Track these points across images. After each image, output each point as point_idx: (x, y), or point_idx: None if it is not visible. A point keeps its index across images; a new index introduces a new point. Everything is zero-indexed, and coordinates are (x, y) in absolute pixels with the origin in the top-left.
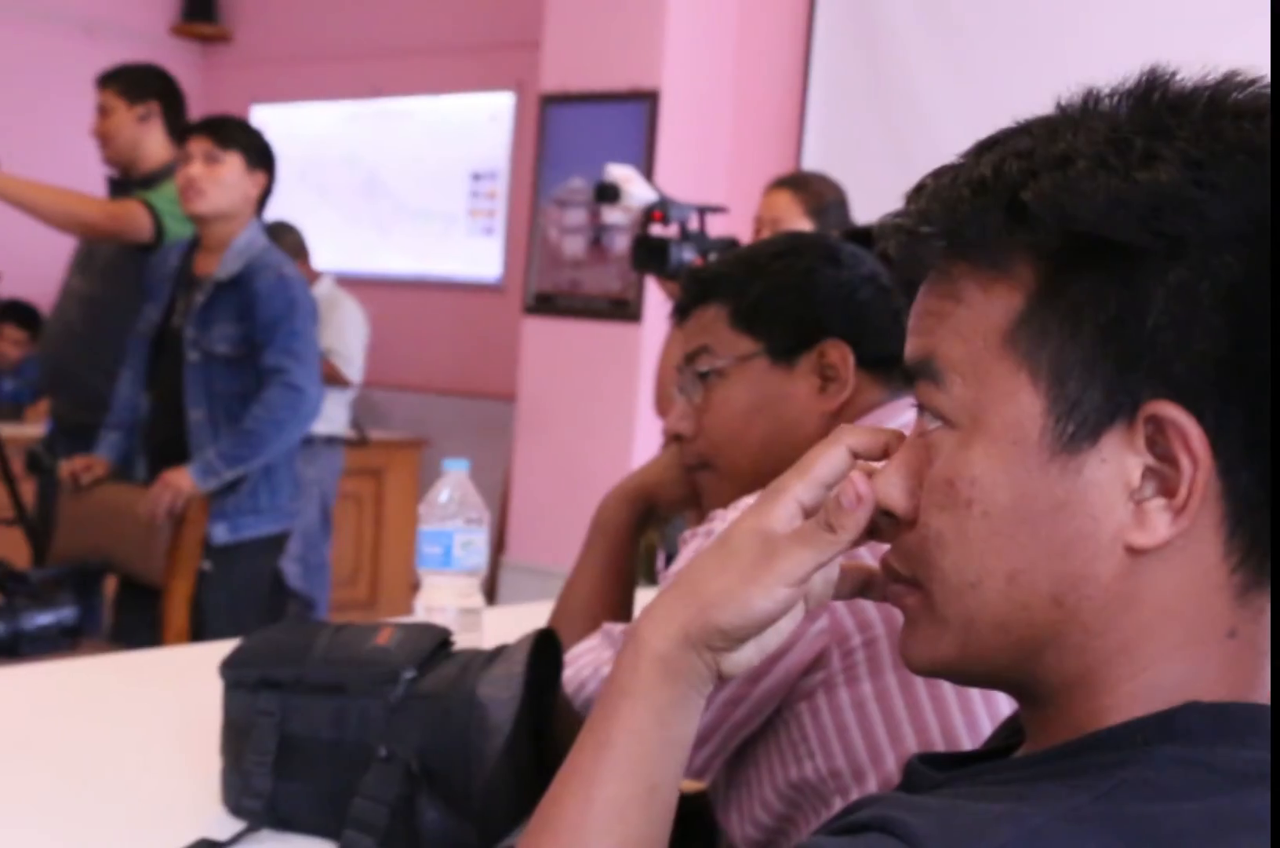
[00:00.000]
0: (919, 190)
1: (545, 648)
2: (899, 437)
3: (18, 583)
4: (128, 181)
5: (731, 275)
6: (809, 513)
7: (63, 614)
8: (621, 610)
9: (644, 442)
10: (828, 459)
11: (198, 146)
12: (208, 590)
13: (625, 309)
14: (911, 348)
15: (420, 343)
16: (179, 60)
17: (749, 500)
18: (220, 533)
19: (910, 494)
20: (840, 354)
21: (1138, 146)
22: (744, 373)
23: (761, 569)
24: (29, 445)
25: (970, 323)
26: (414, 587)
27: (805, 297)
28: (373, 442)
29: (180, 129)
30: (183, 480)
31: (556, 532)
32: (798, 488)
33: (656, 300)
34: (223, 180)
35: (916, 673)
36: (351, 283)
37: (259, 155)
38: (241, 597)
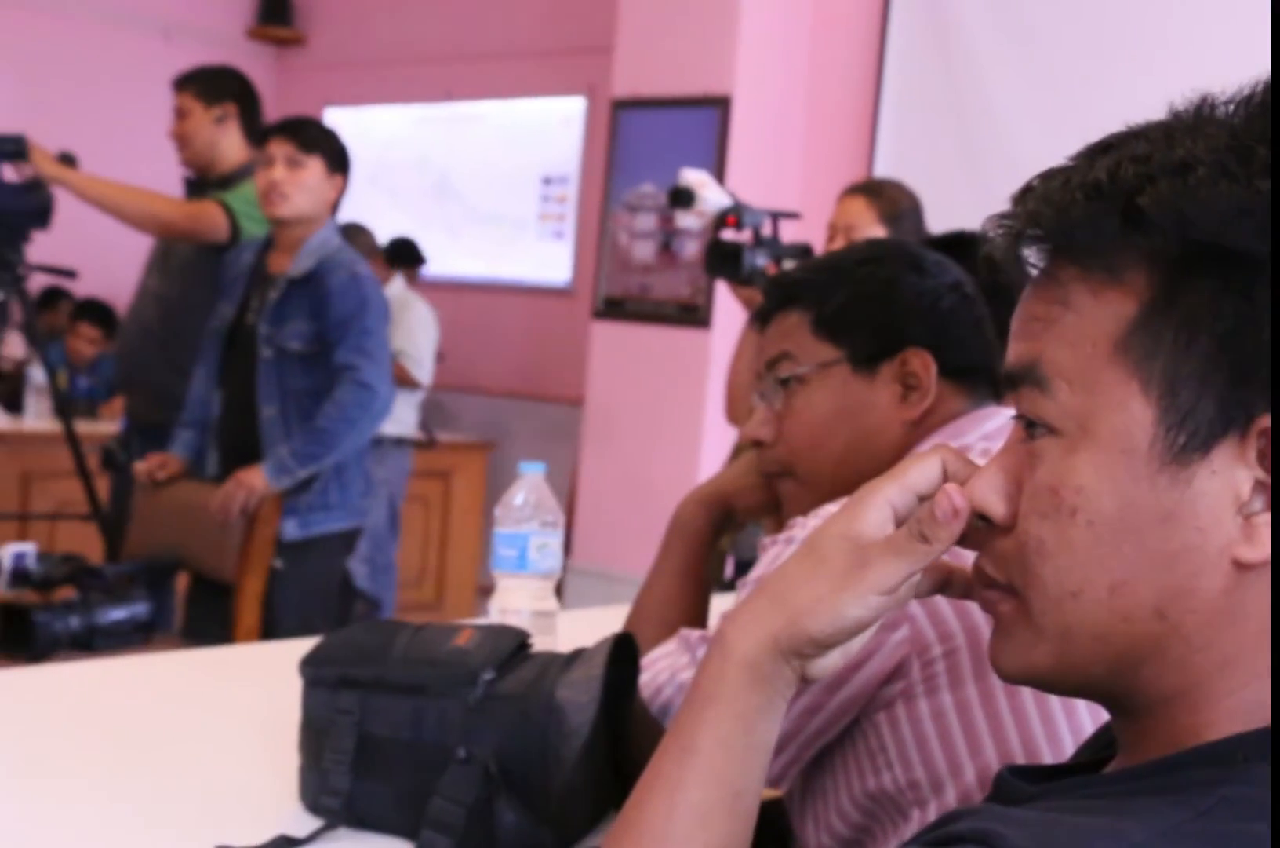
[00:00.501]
0: (1026, 192)
1: (623, 652)
2: None
3: (92, 578)
4: (205, 182)
5: (814, 282)
6: (899, 519)
7: (136, 610)
8: (697, 616)
9: (711, 447)
10: (922, 468)
11: (279, 150)
12: (279, 588)
13: (695, 314)
14: (1015, 353)
15: (489, 346)
16: (254, 63)
17: (830, 508)
18: (291, 529)
19: (1008, 500)
20: (922, 362)
21: (1259, 155)
22: (825, 380)
23: (854, 577)
24: (104, 443)
25: (1079, 329)
26: (479, 589)
27: (888, 304)
28: (441, 444)
29: (257, 130)
30: (256, 479)
31: (622, 536)
32: (891, 492)
33: (726, 306)
34: (305, 184)
35: (1008, 681)
36: (421, 285)
37: (338, 159)
38: (312, 595)
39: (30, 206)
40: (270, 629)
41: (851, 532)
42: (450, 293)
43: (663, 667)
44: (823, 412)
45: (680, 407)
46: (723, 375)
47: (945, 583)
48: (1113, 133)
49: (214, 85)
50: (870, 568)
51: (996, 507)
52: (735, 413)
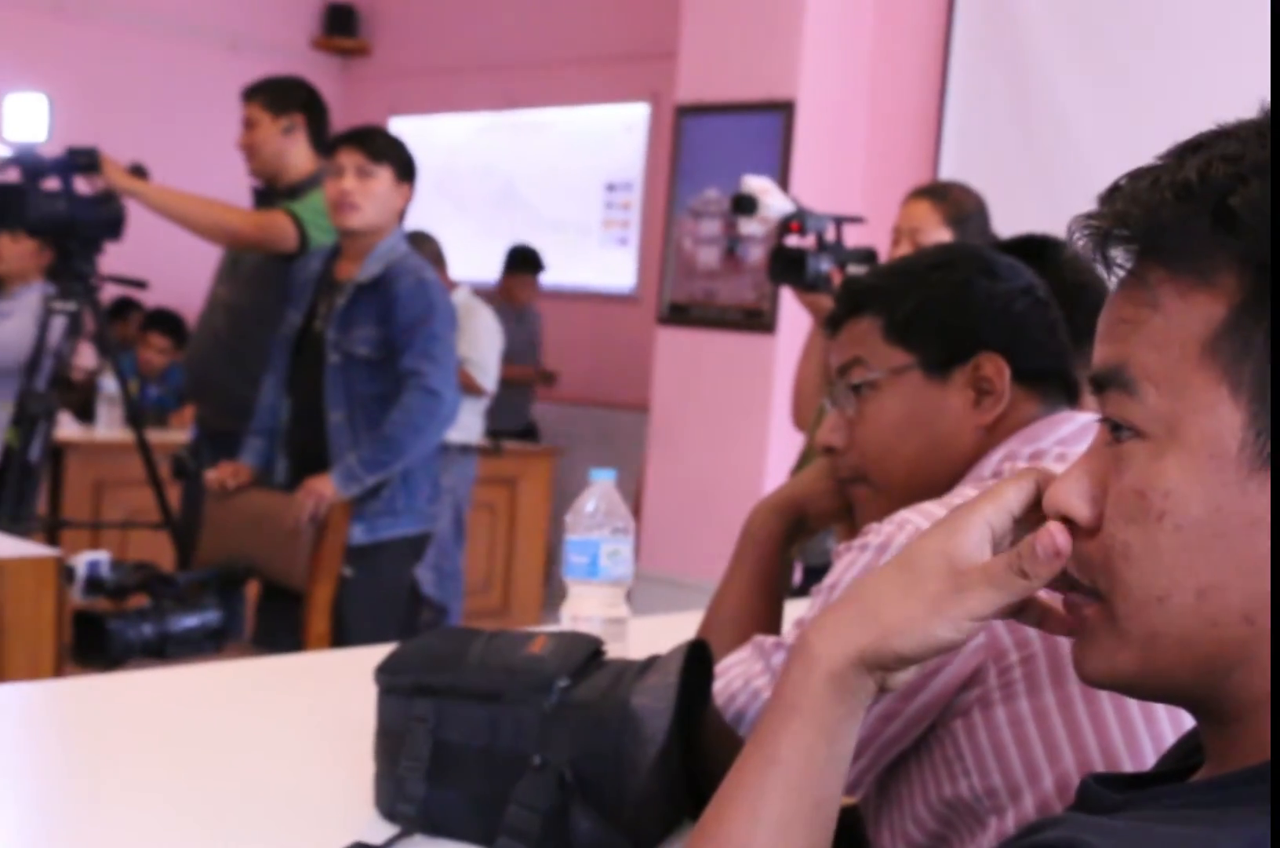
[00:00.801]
0: (1114, 192)
1: (697, 659)
2: None
3: (165, 586)
4: (273, 192)
5: (885, 287)
6: (995, 540)
7: (208, 617)
8: (771, 623)
9: (777, 453)
10: (1018, 490)
11: (349, 160)
12: (348, 596)
13: (760, 320)
14: (1101, 356)
15: (554, 353)
16: (319, 73)
17: (905, 514)
18: (358, 534)
19: (1093, 502)
20: (996, 367)
21: None
22: (897, 386)
23: (949, 603)
24: (174, 451)
25: (1167, 331)
26: (545, 595)
27: (960, 309)
28: (506, 451)
29: (324, 140)
30: (325, 487)
31: (688, 542)
32: (988, 512)
33: (791, 311)
34: (375, 194)
35: (1091, 685)
36: (486, 293)
37: (406, 168)
38: (381, 602)
39: (103, 218)
40: (340, 636)
41: (949, 552)
42: None
43: (736, 674)
44: (895, 418)
45: (746, 412)
46: (788, 381)
47: (1021, 609)
48: (1202, 131)
49: (281, 96)
50: (966, 595)
51: (1081, 510)
52: (801, 418)
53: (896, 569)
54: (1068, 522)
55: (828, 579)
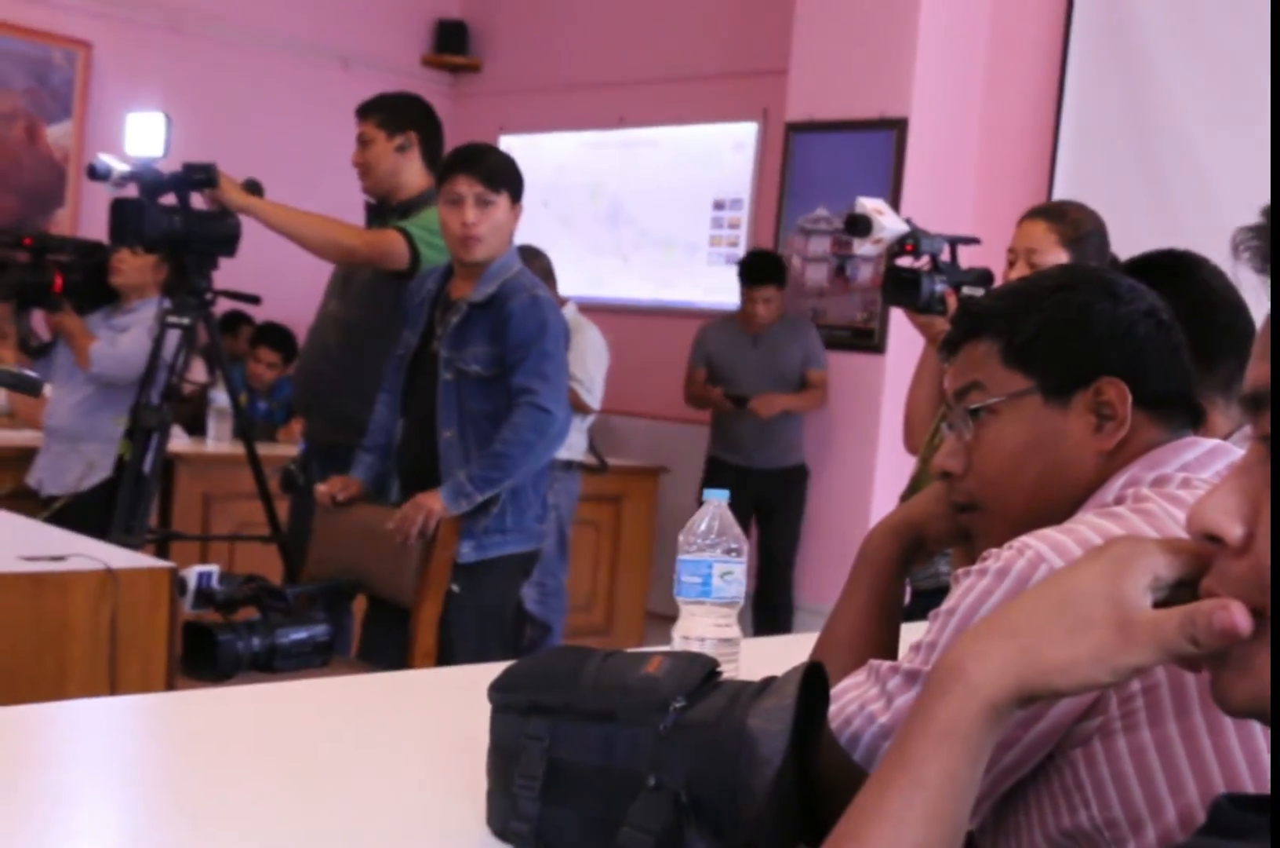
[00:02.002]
0: None
1: (813, 681)
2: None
3: (274, 599)
4: (385, 209)
5: (1004, 310)
6: (1156, 588)
7: (315, 631)
8: (887, 647)
9: (885, 473)
10: (1192, 547)
11: (468, 189)
12: (455, 612)
13: (869, 339)
14: (1260, 374)
15: (660, 370)
16: (430, 90)
17: (1025, 539)
18: (467, 551)
19: (1243, 521)
20: (1118, 392)
21: None
22: (1016, 411)
23: (1115, 652)
24: (283, 465)
25: None
26: (649, 614)
27: (1081, 332)
28: (611, 468)
29: (437, 157)
30: (434, 503)
31: (796, 562)
32: (1159, 564)
33: (902, 330)
34: (495, 222)
35: (1232, 714)
36: (593, 310)
37: (519, 190)
38: (487, 619)
39: (218, 234)
40: (445, 652)
41: (1116, 599)
42: (621, 317)
43: (851, 698)
44: (1014, 443)
45: (854, 432)
46: (897, 401)
47: None
48: None
49: (396, 114)
50: (1133, 649)
51: (1231, 528)
52: (914, 440)
53: (1057, 607)
54: (1215, 541)
55: (947, 604)
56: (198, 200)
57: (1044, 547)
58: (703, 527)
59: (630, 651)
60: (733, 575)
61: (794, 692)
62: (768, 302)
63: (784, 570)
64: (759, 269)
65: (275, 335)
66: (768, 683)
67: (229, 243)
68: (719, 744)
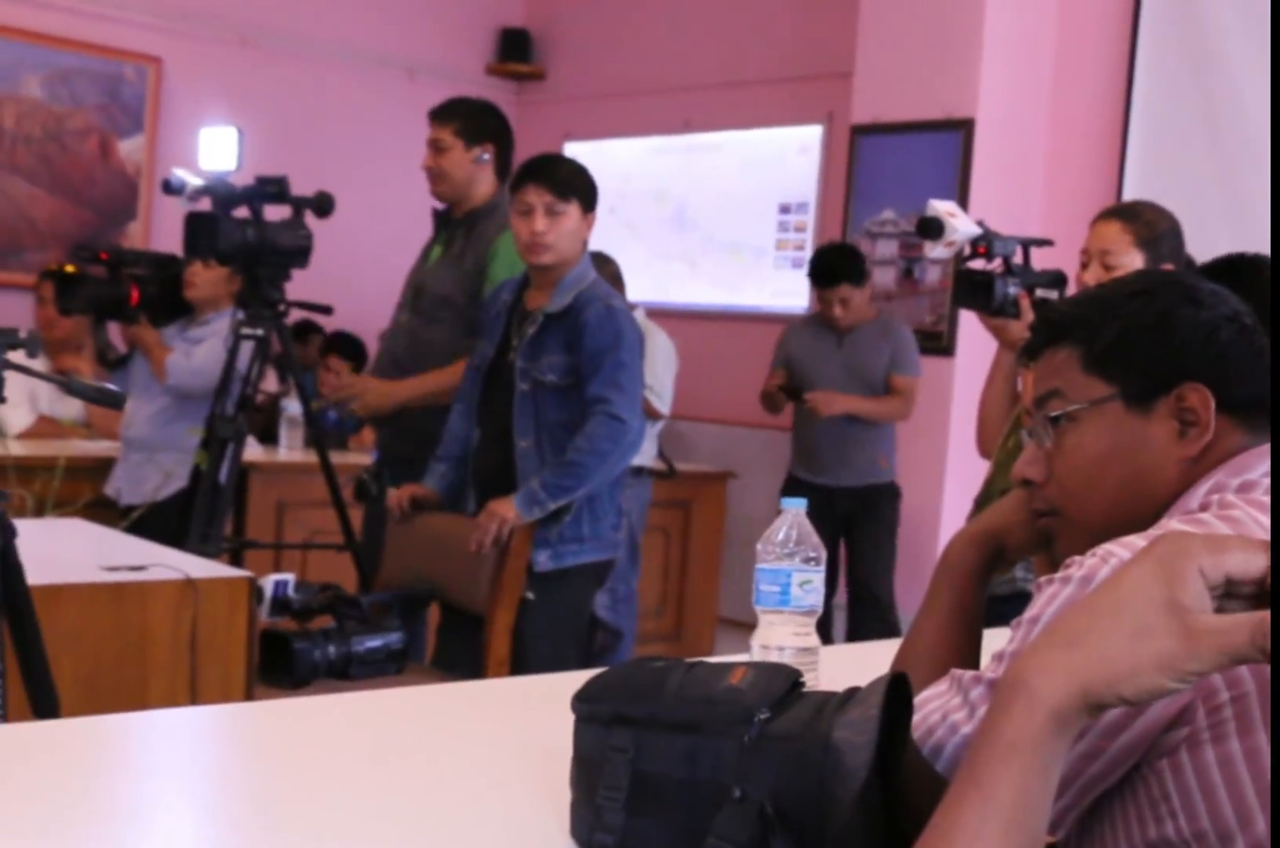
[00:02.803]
0: None
1: (897, 692)
2: None
3: (350, 608)
4: (451, 219)
5: (1084, 316)
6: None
7: (390, 639)
8: (969, 656)
9: (956, 478)
10: (1246, 557)
11: (538, 199)
12: (529, 619)
13: (938, 342)
14: None
15: (728, 375)
16: (495, 99)
17: (1109, 547)
18: (543, 560)
19: None
20: (1200, 398)
21: None
22: (1097, 418)
23: (1181, 658)
24: (356, 473)
25: None
26: (719, 619)
27: (1162, 338)
28: (680, 474)
29: (508, 166)
30: (507, 510)
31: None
32: (1206, 563)
33: (972, 333)
34: (564, 231)
35: None
36: (660, 315)
37: (591, 198)
38: (562, 626)
39: (291, 246)
40: (519, 659)
41: (1173, 602)
42: (689, 322)
43: (934, 708)
44: (1095, 451)
45: (923, 435)
46: (967, 404)
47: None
48: None
49: (477, 124)
50: (1200, 657)
51: None
52: (986, 445)
53: (1115, 613)
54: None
55: (1029, 612)
56: (270, 213)
57: (1128, 554)
58: (780, 536)
59: (712, 661)
60: (811, 585)
61: (879, 702)
62: (844, 302)
63: (876, 602)
64: (827, 269)
65: (346, 345)
66: (851, 694)
67: (302, 255)
68: (804, 756)
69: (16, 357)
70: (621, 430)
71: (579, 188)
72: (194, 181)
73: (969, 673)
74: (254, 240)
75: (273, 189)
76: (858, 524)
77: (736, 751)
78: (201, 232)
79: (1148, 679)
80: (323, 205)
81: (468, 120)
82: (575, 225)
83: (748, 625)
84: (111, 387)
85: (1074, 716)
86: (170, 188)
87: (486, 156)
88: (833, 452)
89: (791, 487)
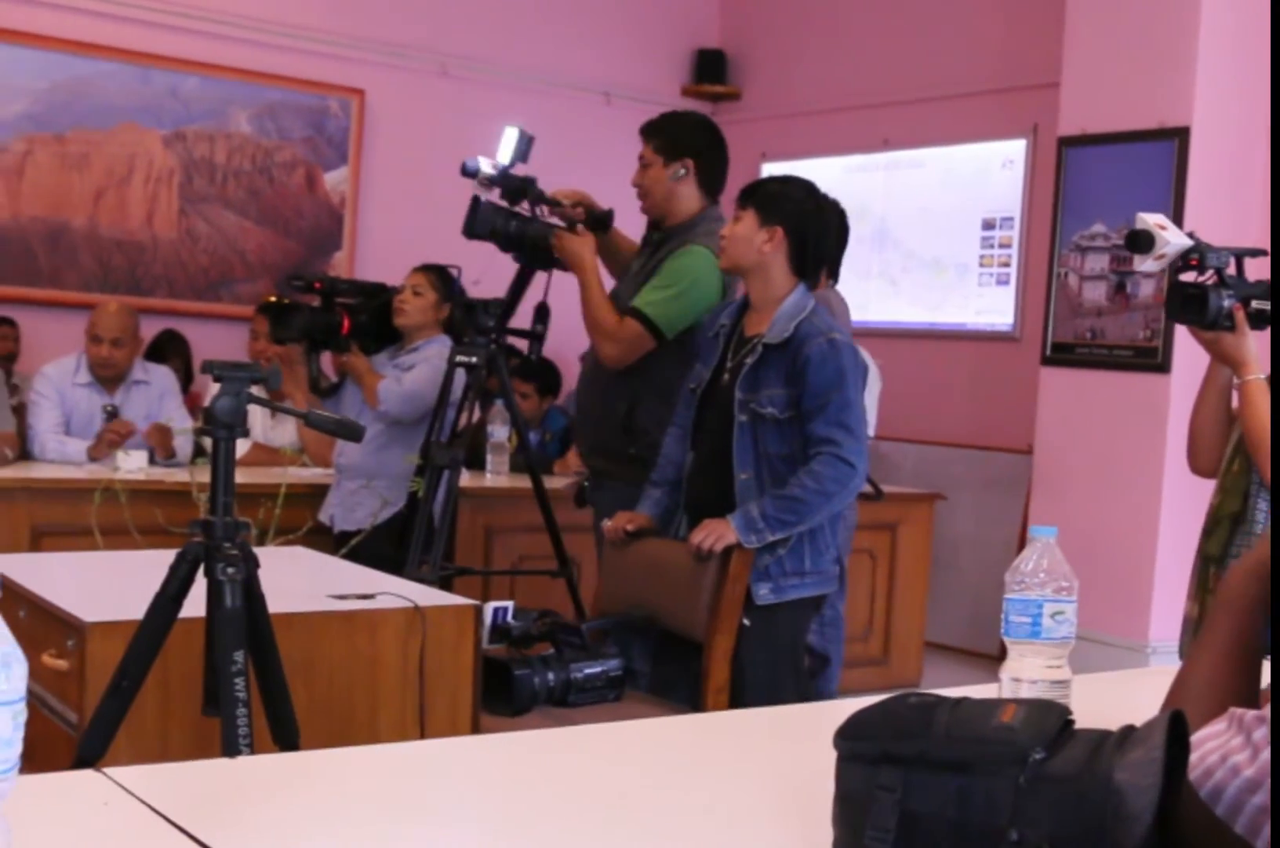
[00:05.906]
0: None
1: (1174, 731)
2: None
3: (569, 635)
4: (656, 232)
5: None
6: None
7: (609, 666)
8: (1248, 694)
9: (1172, 499)
10: None
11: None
12: (747, 646)
13: (1151, 358)
14: None
15: (932, 395)
16: None
17: None
18: (764, 593)
19: None
20: None
21: None
22: None
23: None
24: (575, 481)
25: None
26: (926, 644)
27: None
28: (886, 496)
29: (718, 180)
30: (725, 528)
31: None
32: None
33: (1187, 348)
34: (735, 237)
35: None
36: (862, 334)
37: (799, 222)
38: (780, 653)
39: (541, 242)
40: (738, 687)
41: None
42: (892, 340)
43: (1212, 748)
44: None
45: (1137, 456)
46: (1184, 422)
47: None
48: None
49: (675, 140)
50: None
51: None
52: (1199, 461)
53: None
54: None
55: None
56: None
57: None
58: (1030, 565)
59: (979, 698)
60: (1064, 615)
61: (1161, 743)
62: None
63: None
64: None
65: (528, 367)
66: (1128, 732)
67: (548, 252)
68: (1084, 798)
69: (256, 390)
70: (849, 474)
71: (785, 212)
72: (486, 169)
73: (1251, 712)
74: (515, 231)
75: (536, 193)
76: None
77: (1011, 791)
78: (469, 213)
79: None
80: (600, 221)
81: (668, 136)
82: (747, 232)
83: (955, 650)
84: (350, 418)
85: None
86: (465, 170)
87: (684, 172)
88: None
89: None
